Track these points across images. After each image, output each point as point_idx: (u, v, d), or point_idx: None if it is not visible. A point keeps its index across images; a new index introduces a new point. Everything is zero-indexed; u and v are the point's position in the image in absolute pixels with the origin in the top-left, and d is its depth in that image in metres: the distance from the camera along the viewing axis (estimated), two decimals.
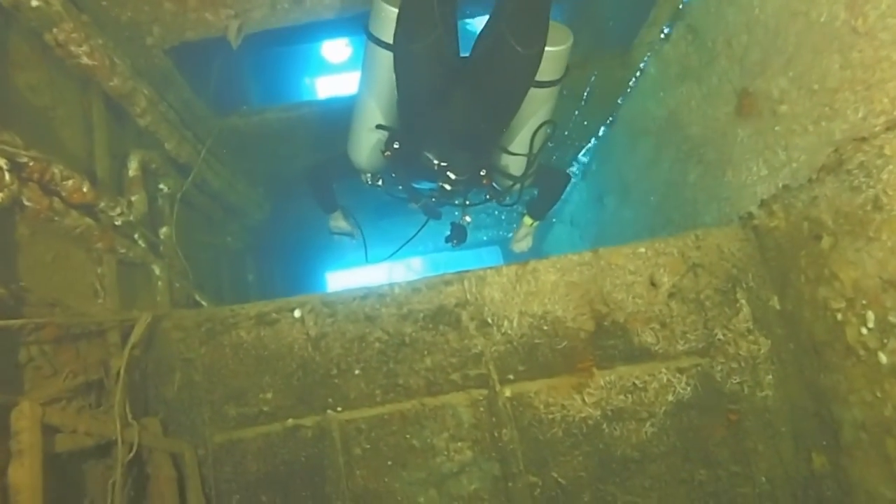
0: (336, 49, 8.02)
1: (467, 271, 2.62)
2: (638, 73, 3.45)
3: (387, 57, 2.34)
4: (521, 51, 2.19)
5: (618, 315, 2.55)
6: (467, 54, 2.49)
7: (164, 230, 2.94)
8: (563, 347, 2.52)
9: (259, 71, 5.56)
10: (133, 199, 2.54)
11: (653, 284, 2.57)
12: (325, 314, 2.58)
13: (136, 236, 2.62)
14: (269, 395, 2.52)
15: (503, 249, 7.59)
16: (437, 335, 2.55)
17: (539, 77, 2.34)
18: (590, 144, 4.53)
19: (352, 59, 8.19)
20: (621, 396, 2.48)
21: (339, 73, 8.22)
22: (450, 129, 2.44)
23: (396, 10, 2.22)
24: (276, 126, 3.46)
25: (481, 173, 2.57)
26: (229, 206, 3.95)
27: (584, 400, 2.47)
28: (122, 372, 2.11)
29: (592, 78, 3.52)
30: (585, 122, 4.10)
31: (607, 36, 3.58)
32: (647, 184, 3.64)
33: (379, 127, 2.53)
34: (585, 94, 3.71)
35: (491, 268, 2.62)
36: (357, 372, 2.53)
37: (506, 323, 2.55)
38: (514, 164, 2.64)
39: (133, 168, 2.60)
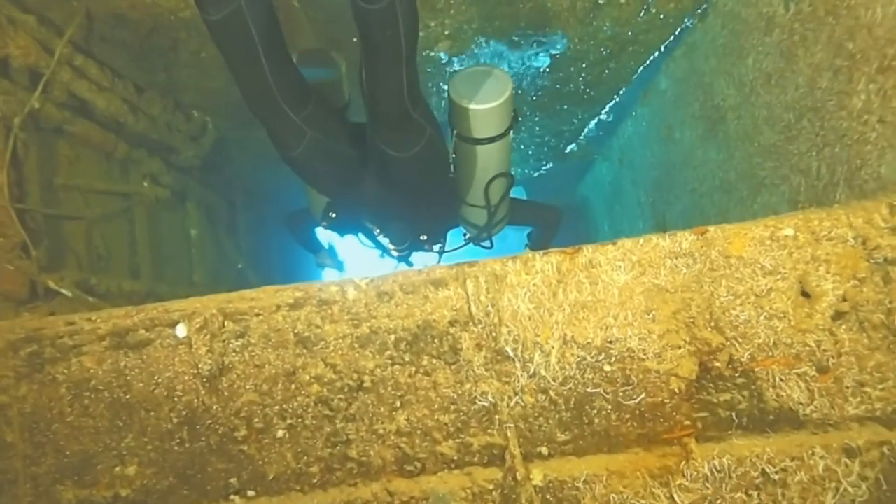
0: None
1: (473, 263, 1.58)
2: None
3: None
4: (396, 154, 2.11)
5: (739, 349, 1.52)
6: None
7: None
8: (638, 403, 1.52)
9: None
10: None
11: (805, 295, 1.53)
12: (230, 333, 1.60)
13: None
14: (132, 470, 1.59)
15: (529, 194, 6.28)
16: (418, 374, 1.57)
17: (477, 135, 2.28)
18: (661, 51, 3.29)
19: None
20: (740, 494, 1.48)
21: None
22: (374, 205, 2.44)
23: None
24: (188, 15, 2.31)
25: (422, 238, 2.61)
26: (141, 139, 2.87)
27: (672, 497, 1.48)
28: None
29: None
30: (662, 16, 2.87)
31: None
32: (760, 110, 2.46)
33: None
34: None
35: (515, 257, 1.56)
36: (280, 434, 1.58)
37: (538, 357, 1.54)
38: (477, 214, 2.61)
39: None
